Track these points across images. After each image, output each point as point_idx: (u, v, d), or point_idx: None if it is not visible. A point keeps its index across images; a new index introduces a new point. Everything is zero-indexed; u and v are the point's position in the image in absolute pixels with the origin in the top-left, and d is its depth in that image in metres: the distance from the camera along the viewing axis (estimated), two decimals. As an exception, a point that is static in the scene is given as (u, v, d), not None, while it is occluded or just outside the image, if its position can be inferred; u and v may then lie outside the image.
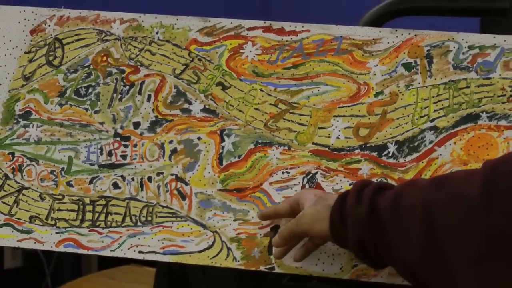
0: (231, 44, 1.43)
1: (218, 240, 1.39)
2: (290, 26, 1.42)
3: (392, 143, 1.38)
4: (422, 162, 1.37)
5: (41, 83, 1.46)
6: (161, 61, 1.44)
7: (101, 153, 1.44)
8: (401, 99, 1.38)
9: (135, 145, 1.43)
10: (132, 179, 1.42)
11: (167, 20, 1.44)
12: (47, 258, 3.08)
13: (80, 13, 1.46)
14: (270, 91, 1.41)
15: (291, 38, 1.41)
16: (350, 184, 1.37)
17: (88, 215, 1.43)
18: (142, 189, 1.42)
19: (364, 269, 1.35)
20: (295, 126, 1.40)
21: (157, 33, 1.44)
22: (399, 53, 1.39)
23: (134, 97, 1.44)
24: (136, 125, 1.43)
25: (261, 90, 1.41)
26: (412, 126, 1.37)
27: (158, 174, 1.42)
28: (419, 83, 1.38)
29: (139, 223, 1.41)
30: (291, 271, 1.37)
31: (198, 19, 1.44)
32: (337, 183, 1.38)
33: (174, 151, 1.42)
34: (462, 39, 1.37)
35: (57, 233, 1.43)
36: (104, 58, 1.45)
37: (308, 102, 1.40)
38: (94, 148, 1.44)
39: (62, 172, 1.44)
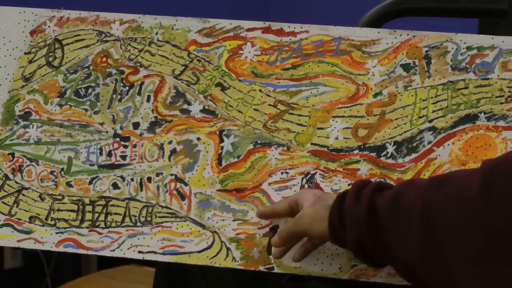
0: (230, 45, 1.43)
1: (217, 240, 1.39)
2: (289, 27, 1.42)
3: (390, 144, 1.38)
4: (421, 163, 1.37)
5: (41, 84, 1.46)
6: (160, 62, 1.44)
7: (101, 154, 1.44)
8: (400, 99, 1.38)
9: (134, 146, 1.43)
10: (132, 179, 1.43)
11: (167, 21, 1.44)
12: (47, 258, 3.09)
13: (79, 14, 1.47)
14: (269, 92, 1.41)
15: (290, 39, 1.42)
16: (349, 185, 1.37)
17: (88, 215, 1.43)
18: (141, 190, 1.42)
19: (363, 269, 1.35)
20: (294, 127, 1.40)
21: (156, 34, 1.44)
22: (398, 54, 1.39)
23: (133, 97, 1.44)
24: (136, 125, 1.44)
25: (260, 90, 1.42)
26: (411, 126, 1.38)
27: (157, 175, 1.42)
28: (417, 84, 1.38)
29: (138, 223, 1.42)
30: (290, 271, 1.37)
31: (198, 20, 1.44)
32: (336, 184, 1.38)
33: (173, 151, 1.42)
34: (461, 40, 1.38)
35: (57, 233, 1.43)
36: (104, 59, 1.45)
37: (307, 102, 1.40)
38: (94, 148, 1.44)
39: (62, 172, 1.44)
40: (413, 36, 1.39)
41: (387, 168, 1.37)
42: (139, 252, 1.41)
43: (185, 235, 1.40)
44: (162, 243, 1.40)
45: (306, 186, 1.39)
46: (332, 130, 1.39)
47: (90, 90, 1.45)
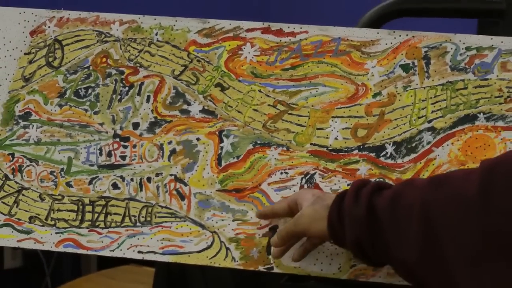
0: (229, 45, 1.43)
1: (217, 240, 1.40)
2: (288, 27, 1.42)
3: (390, 144, 1.38)
4: (420, 163, 1.37)
5: (41, 84, 1.46)
6: (160, 62, 1.44)
7: (101, 154, 1.44)
8: (399, 100, 1.39)
9: (134, 146, 1.43)
10: (132, 179, 1.43)
11: (166, 21, 1.44)
12: (47, 258, 3.09)
13: (79, 14, 1.47)
14: (268, 92, 1.42)
15: (290, 40, 1.42)
16: (348, 185, 1.38)
17: (88, 216, 1.43)
18: (141, 190, 1.42)
19: (362, 269, 1.36)
20: (294, 127, 1.40)
21: (156, 34, 1.44)
22: (397, 54, 1.39)
23: (133, 98, 1.44)
24: (136, 125, 1.44)
25: (259, 91, 1.42)
26: (410, 127, 1.38)
27: (157, 175, 1.42)
28: (417, 84, 1.38)
29: (138, 223, 1.42)
30: (289, 271, 1.38)
31: (197, 21, 1.44)
32: (335, 184, 1.38)
33: (173, 151, 1.43)
34: (460, 41, 1.38)
35: (56, 233, 1.43)
36: (104, 59, 1.45)
37: (307, 103, 1.41)
38: (94, 148, 1.44)
39: (62, 172, 1.44)
40: (412, 36, 1.39)
41: (386, 168, 1.38)
42: (139, 252, 1.41)
43: (185, 235, 1.40)
44: (162, 243, 1.41)
45: (305, 186, 1.39)
46: (332, 130, 1.40)
47: (90, 91, 1.45)
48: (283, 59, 1.42)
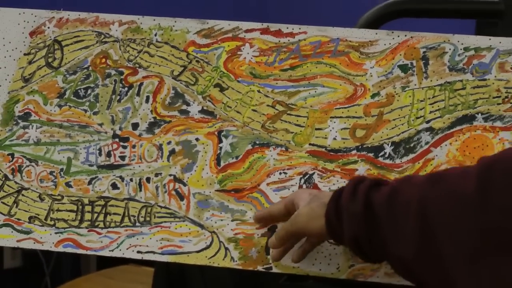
0: (229, 46, 1.43)
1: (216, 240, 1.40)
2: (287, 28, 1.43)
3: (388, 144, 1.39)
4: (418, 163, 1.37)
5: (41, 85, 1.47)
6: (159, 62, 1.44)
7: (100, 154, 1.44)
8: (397, 100, 1.39)
9: (133, 146, 1.44)
10: (131, 179, 1.43)
11: (166, 22, 1.45)
12: (47, 258, 3.09)
13: (79, 15, 1.47)
14: (267, 93, 1.42)
15: (288, 40, 1.42)
16: (346, 185, 1.38)
17: (87, 216, 1.43)
18: (140, 190, 1.43)
19: (360, 269, 1.36)
20: (292, 127, 1.41)
21: (155, 35, 1.45)
22: (396, 54, 1.40)
23: (132, 98, 1.45)
24: (135, 126, 1.44)
25: (258, 91, 1.42)
26: (408, 127, 1.38)
27: (156, 175, 1.43)
28: (415, 85, 1.39)
29: (137, 224, 1.42)
30: (288, 271, 1.38)
31: (196, 21, 1.44)
32: (334, 184, 1.39)
33: (172, 152, 1.43)
34: (458, 41, 1.38)
35: (56, 233, 1.43)
36: (103, 60, 1.46)
37: (305, 103, 1.41)
38: (93, 149, 1.45)
39: (61, 172, 1.45)
40: (411, 37, 1.40)
41: (385, 168, 1.38)
42: (138, 252, 1.42)
43: (184, 235, 1.41)
44: (161, 243, 1.41)
45: (304, 186, 1.39)
46: (330, 130, 1.40)
47: (89, 91, 1.46)
48: (282, 60, 1.42)
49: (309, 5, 3.02)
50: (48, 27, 1.47)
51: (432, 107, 1.38)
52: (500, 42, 1.37)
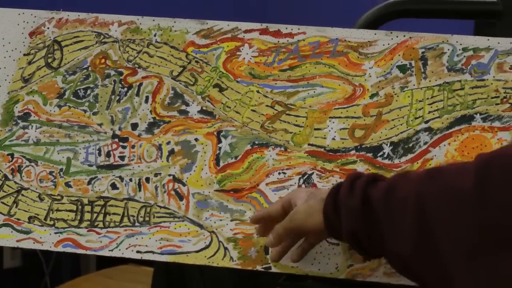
0: (228, 46, 1.44)
1: (215, 240, 1.40)
2: (286, 28, 1.43)
3: (387, 144, 1.39)
4: (417, 163, 1.38)
5: (40, 85, 1.47)
6: (158, 63, 1.45)
7: (100, 154, 1.45)
8: (396, 100, 1.39)
9: (133, 146, 1.44)
10: (130, 179, 1.44)
11: (165, 22, 1.45)
12: (46, 258, 3.09)
13: (78, 15, 1.47)
14: (266, 93, 1.42)
15: (287, 40, 1.42)
16: (345, 185, 1.38)
17: (87, 216, 1.44)
18: (140, 190, 1.43)
19: (359, 268, 1.36)
20: (291, 127, 1.41)
21: (155, 35, 1.45)
22: (394, 55, 1.40)
23: (132, 98, 1.45)
24: (134, 126, 1.44)
25: (257, 91, 1.42)
26: (407, 127, 1.38)
27: (155, 175, 1.43)
28: (414, 85, 1.39)
29: (137, 223, 1.42)
30: (287, 270, 1.38)
31: (195, 22, 1.45)
32: (332, 184, 1.38)
33: (171, 152, 1.43)
34: (457, 41, 1.39)
35: (55, 233, 1.44)
36: (103, 60, 1.46)
37: (304, 103, 1.41)
38: (93, 149, 1.45)
39: (61, 173, 1.45)
40: (410, 37, 1.40)
41: (384, 168, 1.38)
42: (138, 252, 1.42)
43: (183, 235, 1.41)
44: (160, 243, 1.41)
45: (303, 186, 1.39)
46: (329, 130, 1.40)
47: (89, 91, 1.46)
48: (281, 60, 1.42)
49: (309, 6, 3.03)
50: (48, 28, 1.48)
51: (431, 107, 1.38)
52: (498, 43, 1.38)
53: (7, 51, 1.47)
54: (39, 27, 1.48)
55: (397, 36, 1.40)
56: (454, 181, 1.09)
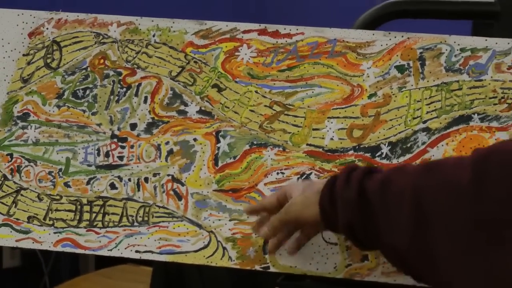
0: (226, 46, 1.44)
1: (213, 240, 1.40)
2: (284, 29, 1.43)
3: (385, 144, 1.39)
4: (415, 163, 1.38)
5: (39, 85, 1.47)
6: (157, 63, 1.45)
7: (98, 154, 1.45)
8: (394, 100, 1.39)
9: (132, 146, 1.44)
10: (129, 179, 1.44)
11: (164, 23, 1.45)
12: (45, 257, 3.09)
13: (77, 16, 1.48)
14: (265, 93, 1.42)
15: (286, 41, 1.43)
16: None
17: (86, 215, 1.44)
18: (138, 190, 1.43)
19: (357, 268, 1.36)
20: (290, 128, 1.41)
21: (153, 36, 1.45)
22: (392, 55, 1.40)
23: (131, 99, 1.45)
24: (133, 126, 1.45)
25: (256, 92, 1.43)
26: (405, 127, 1.39)
27: (154, 175, 1.43)
28: (412, 85, 1.39)
29: (135, 223, 1.43)
30: (285, 270, 1.38)
31: (194, 22, 1.45)
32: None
33: (170, 152, 1.43)
34: (454, 42, 1.39)
35: (55, 233, 1.44)
36: (102, 61, 1.46)
37: (303, 104, 1.41)
38: (92, 149, 1.45)
39: (60, 173, 1.45)
40: (408, 38, 1.40)
41: (382, 168, 1.38)
42: (136, 251, 1.42)
43: (182, 234, 1.41)
44: (159, 242, 1.42)
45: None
46: (327, 131, 1.40)
47: (88, 92, 1.46)
48: (280, 61, 1.43)
49: (307, 6, 3.03)
50: (47, 28, 1.48)
51: (429, 107, 1.38)
52: (496, 43, 1.38)
53: (6, 52, 1.48)
54: (38, 27, 1.48)
55: (395, 37, 1.40)
56: (451, 175, 1.09)
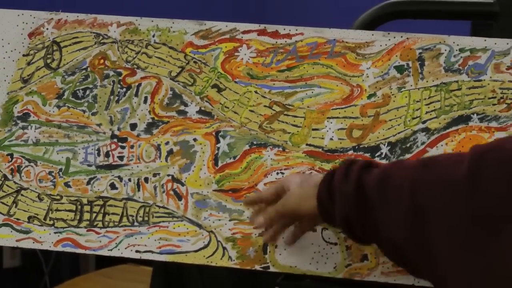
0: (226, 47, 1.44)
1: (213, 240, 1.41)
2: (284, 29, 1.43)
3: (384, 144, 1.39)
4: (414, 162, 1.38)
5: (39, 86, 1.48)
6: (157, 63, 1.45)
7: (99, 154, 1.45)
8: (394, 101, 1.40)
9: (132, 146, 1.45)
10: (129, 179, 1.44)
11: (163, 23, 1.46)
12: (46, 257, 3.09)
13: (77, 16, 1.48)
14: (264, 93, 1.43)
15: (285, 41, 1.43)
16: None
17: (86, 215, 1.44)
18: (139, 190, 1.44)
19: (357, 268, 1.37)
20: (290, 128, 1.42)
21: (153, 36, 1.46)
22: (392, 55, 1.40)
23: (130, 99, 1.45)
24: (133, 126, 1.45)
25: (255, 92, 1.43)
26: (405, 127, 1.39)
27: (154, 175, 1.44)
28: (411, 85, 1.40)
29: (136, 223, 1.43)
30: (285, 270, 1.39)
31: (194, 23, 1.45)
32: None
33: (170, 152, 1.44)
34: (454, 42, 1.39)
35: (55, 233, 1.44)
36: (101, 61, 1.47)
37: (302, 104, 1.42)
38: (92, 149, 1.45)
39: (60, 173, 1.45)
40: (407, 38, 1.40)
41: (381, 168, 1.38)
42: (137, 251, 1.42)
43: (182, 234, 1.41)
44: (159, 242, 1.42)
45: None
46: (327, 131, 1.41)
47: (88, 92, 1.47)
48: (279, 61, 1.43)
49: (306, 7, 3.03)
50: (47, 29, 1.48)
51: (428, 107, 1.39)
52: (495, 43, 1.38)
53: (6, 52, 1.48)
54: (38, 28, 1.48)
55: (394, 37, 1.41)
56: (448, 170, 1.10)
